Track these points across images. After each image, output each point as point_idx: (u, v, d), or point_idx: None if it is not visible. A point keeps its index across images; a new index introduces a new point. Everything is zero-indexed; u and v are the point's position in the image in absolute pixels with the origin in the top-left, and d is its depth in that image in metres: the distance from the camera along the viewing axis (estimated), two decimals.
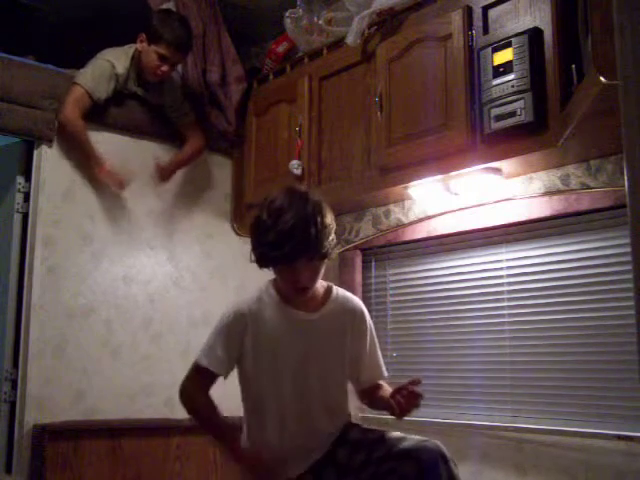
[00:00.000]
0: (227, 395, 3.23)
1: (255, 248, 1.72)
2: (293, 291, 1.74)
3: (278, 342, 1.77)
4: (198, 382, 1.80)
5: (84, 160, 2.90)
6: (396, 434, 1.73)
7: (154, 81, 3.00)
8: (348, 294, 1.89)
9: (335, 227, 1.73)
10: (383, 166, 2.60)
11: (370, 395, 1.90)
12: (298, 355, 1.78)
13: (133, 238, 3.03)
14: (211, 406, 1.80)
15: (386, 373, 1.89)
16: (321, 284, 1.81)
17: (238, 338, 1.77)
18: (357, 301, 1.89)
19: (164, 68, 2.92)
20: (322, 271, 1.74)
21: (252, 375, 1.80)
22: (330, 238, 1.69)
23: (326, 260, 1.72)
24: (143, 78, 3.00)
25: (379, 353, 1.89)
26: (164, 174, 3.06)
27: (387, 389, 1.85)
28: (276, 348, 1.77)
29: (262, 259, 1.71)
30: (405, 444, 1.67)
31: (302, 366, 1.78)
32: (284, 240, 1.63)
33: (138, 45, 2.94)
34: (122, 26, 3.09)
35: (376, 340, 1.89)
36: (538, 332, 2.46)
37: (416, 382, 1.68)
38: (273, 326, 1.77)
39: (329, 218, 1.70)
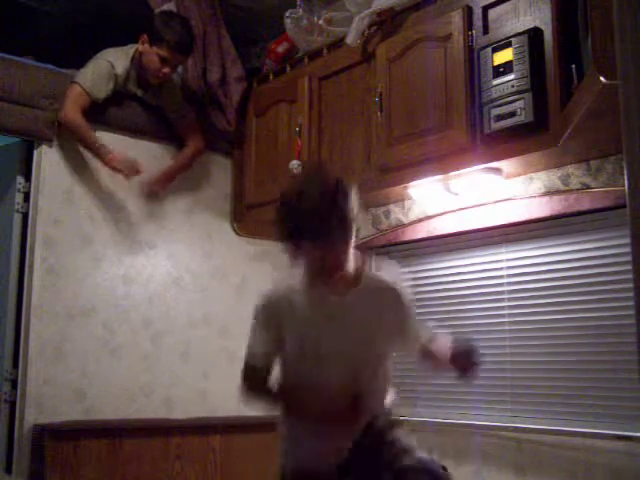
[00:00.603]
0: (225, 395, 3.23)
1: (281, 234, 1.73)
2: (323, 271, 1.76)
3: (309, 326, 1.80)
4: (252, 381, 1.86)
5: (84, 160, 2.90)
6: (404, 444, 1.77)
7: (155, 83, 2.99)
8: (381, 277, 1.90)
9: (359, 204, 1.77)
10: (383, 166, 2.59)
11: (427, 356, 1.93)
12: (331, 338, 1.79)
13: (133, 238, 3.03)
14: (272, 394, 1.87)
15: (432, 330, 1.95)
16: (351, 266, 1.81)
17: (274, 327, 1.82)
18: (391, 283, 1.89)
19: (165, 70, 2.92)
20: (350, 250, 1.76)
21: (288, 359, 1.84)
22: (354, 214, 1.73)
23: (353, 238, 1.74)
24: (143, 79, 3.00)
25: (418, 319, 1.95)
26: (153, 189, 3.03)
27: (441, 347, 1.87)
28: (308, 332, 1.80)
29: (290, 245, 1.73)
30: (406, 462, 1.72)
31: (335, 349, 1.79)
32: (311, 219, 1.66)
33: (139, 46, 2.93)
34: (122, 26, 3.09)
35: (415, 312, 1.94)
36: (538, 332, 2.46)
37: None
38: (304, 310, 1.80)
39: (352, 195, 1.74)
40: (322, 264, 1.74)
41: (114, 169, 2.86)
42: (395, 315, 1.87)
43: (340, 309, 1.80)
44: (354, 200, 1.75)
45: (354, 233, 1.74)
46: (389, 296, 1.87)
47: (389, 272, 1.95)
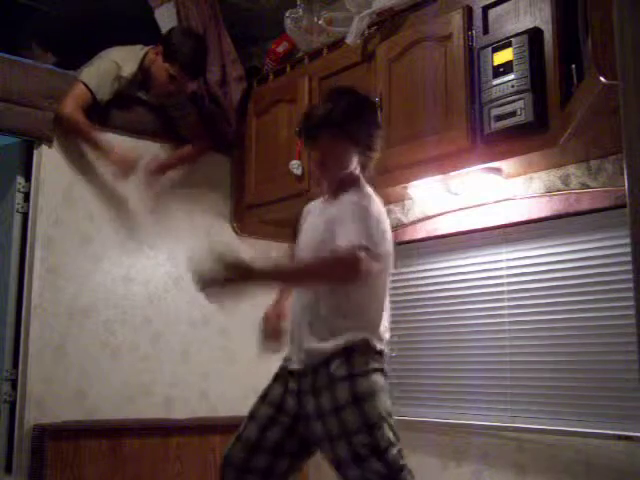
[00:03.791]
0: (225, 395, 3.23)
1: None
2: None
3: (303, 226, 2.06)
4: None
5: (84, 160, 2.90)
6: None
7: (158, 93, 3.00)
8: (361, 192, 1.93)
9: (363, 120, 1.93)
10: (383, 166, 2.59)
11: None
12: (301, 242, 2.02)
13: (133, 238, 3.02)
14: None
15: (344, 243, 1.77)
16: (350, 179, 1.95)
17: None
18: (355, 196, 1.91)
19: (171, 87, 2.94)
20: (336, 157, 1.92)
21: None
22: (336, 124, 1.88)
23: (335, 145, 1.90)
24: (148, 84, 2.99)
25: (349, 226, 1.81)
26: (159, 169, 3.04)
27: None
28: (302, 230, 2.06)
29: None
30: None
31: (301, 253, 1.99)
32: (303, 118, 2.00)
33: (152, 55, 2.92)
34: (122, 24, 3.09)
35: (353, 216, 1.82)
36: (538, 332, 2.46)
37: None
38: (309, 215, 2.08)
39: (349, 109, 1.92)
40: (316, 170, 2.02)
41: (113, 164, 2.85)
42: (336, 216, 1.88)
43: (313, 216, 2.02)
44: (344, 109, 1.91)
45: (328, 136, 1.89)
46: (342, 205, 1.89)
47: None
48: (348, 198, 1.90)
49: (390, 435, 1.78)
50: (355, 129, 1.91)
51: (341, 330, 1.84)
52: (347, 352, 1.82)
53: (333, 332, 1.84)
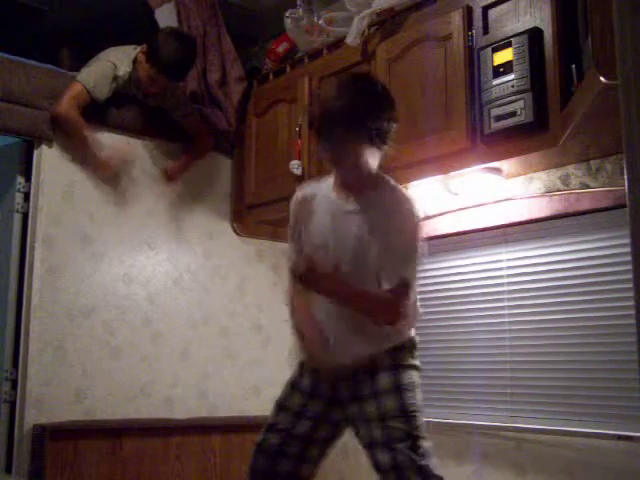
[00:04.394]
0: (225, 395, 3.23)
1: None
2: (335, 172, 1.91)
3: (316, 223, 1.93)
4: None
5: (84, 160, 2.90)
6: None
7: (146, 93, 3.00)
8: (397, 191, 1.91)
9: (384, 118, 1.85)
10: (383, 166, 2.59)
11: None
12: (328, 239, 1.89)
13: (133, 238, 3.02)
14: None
15: (395, 283, 1.82)
16: (372, 175, 1.89)
17: (300, 221, 1.98)
18: (402, 201, 1.87)
19: (152, 89, 2.94)
20: (357, 155, 1.84)
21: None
22: (359, 122, 1.80)
23: (357, 143, 1.82)
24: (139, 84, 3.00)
25: (407, 259, 1.83)
26: (172, 176, 3.09)
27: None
28: (314, 228, 1.93)
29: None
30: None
31: (332, 252, 1.86)
32: (316, 111, 1.90)
33: (139, 55, 2.93)
34: (122, 25, 3.09)
35: (411, 245, 1.83)
36: (538, 332, 2.46)
37: None
38: (318, 209, 1.94)
39: (366, 104, 1.83)
40: (332, 166, 1.89)
41: (97, 165, 2.91)
42: (391, 240, 1.83)
43: (342, 214, 1.88)
44: (363, 104, 1.82)
45: (350, 135, 1.81)
46: (397, 220, 1.84)
47: None
48: (396, 203, 1.87)
49: (423, 428, 1.83)
50: (374, 126, 1.85)
51: (391, 334, 1.88)
52: (394, 348, 1.88)
53: (383, 337, 1.88)
